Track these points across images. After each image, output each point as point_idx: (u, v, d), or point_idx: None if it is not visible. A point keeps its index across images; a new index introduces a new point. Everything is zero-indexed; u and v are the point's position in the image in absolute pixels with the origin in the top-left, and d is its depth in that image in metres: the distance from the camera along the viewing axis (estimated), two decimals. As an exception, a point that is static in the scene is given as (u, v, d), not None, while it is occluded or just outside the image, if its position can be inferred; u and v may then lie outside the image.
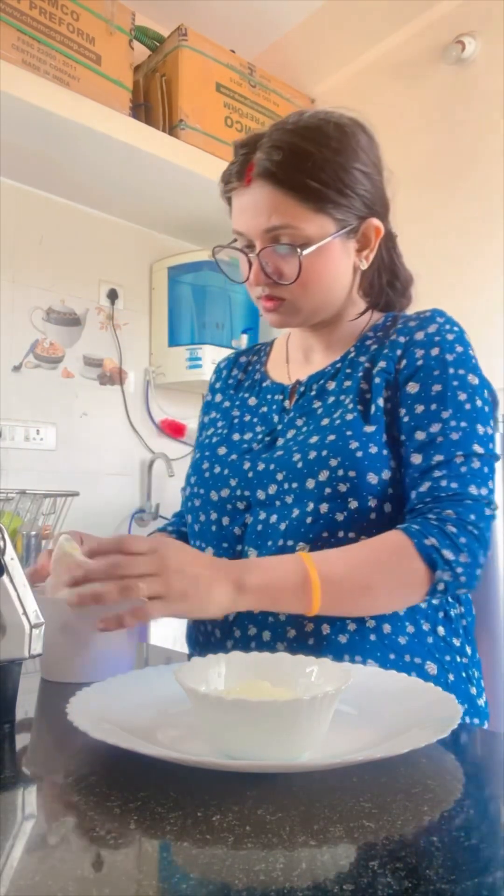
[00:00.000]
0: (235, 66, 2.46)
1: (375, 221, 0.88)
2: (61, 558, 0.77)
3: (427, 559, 0.72)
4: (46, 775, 0.53)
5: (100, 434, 2.49)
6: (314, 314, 0.89)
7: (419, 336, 0.84)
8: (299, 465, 0.80)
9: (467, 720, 0.80)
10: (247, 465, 0.88)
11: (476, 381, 0.81)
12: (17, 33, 1.92)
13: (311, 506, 0.79)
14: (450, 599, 0.84)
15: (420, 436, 0.78)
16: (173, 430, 2.66)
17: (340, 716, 0.57)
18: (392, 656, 0.77)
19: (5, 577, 0.63)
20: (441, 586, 0.73)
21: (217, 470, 0.90)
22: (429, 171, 2.29)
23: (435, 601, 0.83)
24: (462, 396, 0.78)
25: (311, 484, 0.79)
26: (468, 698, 0.82)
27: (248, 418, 0.97)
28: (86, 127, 2.04)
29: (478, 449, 0.77)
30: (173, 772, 0.48)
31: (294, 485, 0.80)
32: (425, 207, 2.29)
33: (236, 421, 0.98)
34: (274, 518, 0.82)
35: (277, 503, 0.82)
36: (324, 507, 0.78)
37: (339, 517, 0.78)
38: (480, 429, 0.78)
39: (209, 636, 0.88)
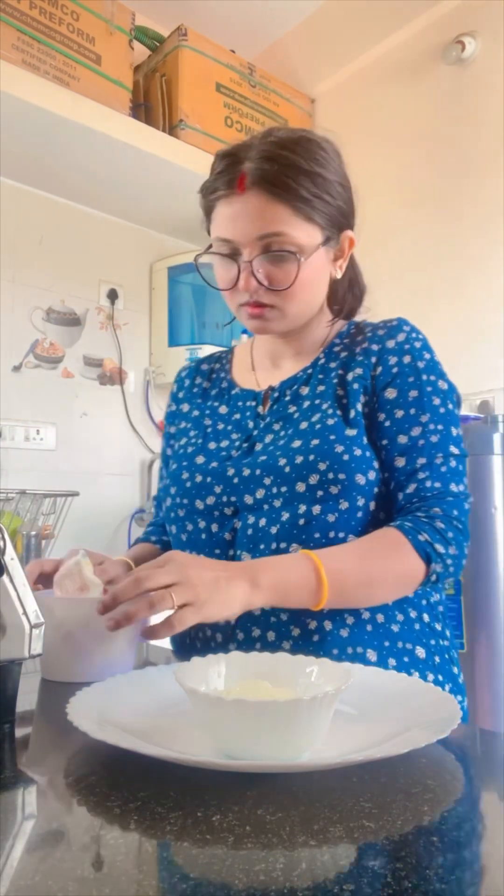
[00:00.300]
0: (235, 66, 2.46)
1: (350, 232, 0.93)
2: (73, 571, 0.78)
3: (422, 553, 0.78)
4: (46, 775, 0.53)
5: (100, 434, 2.49)
6: (297, 320, 0.92)
7: (391, 344, 0.89)
8: (286, 469, 0.83)
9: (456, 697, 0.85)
10: (231, 472, 0.88)
11: (445, 386, 0.88)
12: (17, 33, 1.92)
13: (302, 508, 0.82)
14: (427, 588, 0.89)
15: (402, 439, 0.84)
16: (173, 430, 2.66)
17: (340, 716, 0.57)
18: (387, 643, 0.82)
19: (5, 577, 0.64)
20: (434, 577, 0.80)
21: (199, 479, 0.91)
22: (428, 171, 2.29)
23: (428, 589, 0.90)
24: (436, 401, 0.86)
25: (301, 487, 0.82)
26: (452, 677, 0.87)
27: (221, 426, 0.97)
28: (86, 127, 2.04)
29: (454, 450, 0.85)
30: (173, 772, 0.48)
31: (283, 488, 0.83)
32: (425, 207, 2.29)
33: (210, 430, 0.98)
34: (263, 521, 0.84)
35: (266, 507, 0.84)
36: (316, 509, 0.82)
37: (331, 518, 0.82)
38: (454, 431, 0.86)
39: (208, 641, 0.88)
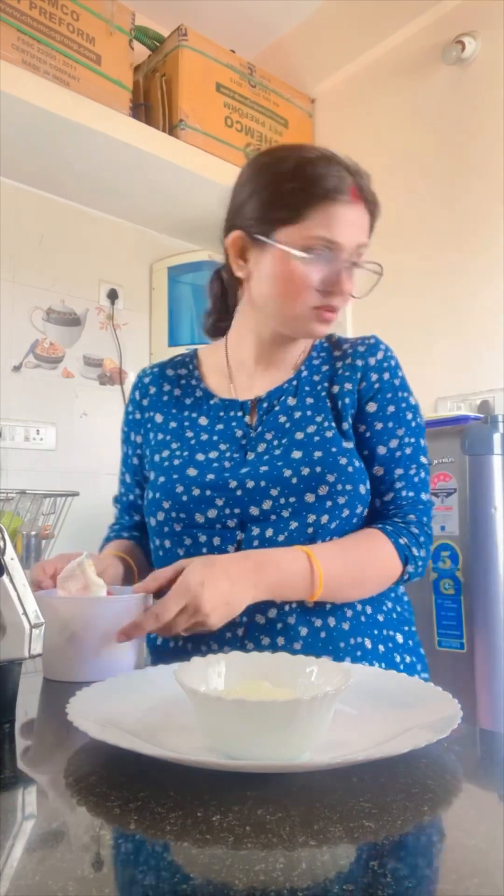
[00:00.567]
0: (235, 66, 2.46)
1: None
2: (76, 572, 0.78)
3: (401, 555, 0.88)
4: (46, 775, 0.53)
5: (100, 434, 2.49)
6: None
7: (372, 361, 0.94)
8: (293, 480, 0.86)
9: (423, 675, 0.94)
10: (233, 484, 0.88)
11: (414, 402, 0.96)
12: (17, 33, 1.92)
13: (311, 517, 0.86)
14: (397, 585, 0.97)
15: (382, 450, 0.92)
16: (173, 430, 2.66)
17: (340, 716, 0.57)
18: (376, 632, 0.90)
19: (5, 577, 0.64)
20: (406, 577, 0.90)
21: (196, 492, 0.89)
22: (428, 171, 2.29)
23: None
24: (409, 416, 0.93)
25: (310, 498, 0.86)
26: (421, 657, 0.96)
27: (205, 437, 0.96)
28: (86, 127, 2.04)
29: (423, 461, 0.94)
30: (173, 772, 0.48)
31: (291, 499, 0.86)
32: (425, 206, 2.29)
33: (193, 442, 0.96)
34: (270, 532, 0.87)
35: (273, 517, 0.87)
36: (324, 518, 0.87)
37: (333, 525, 0.88)
38: (422, 442, 0.94)
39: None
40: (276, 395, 0.95)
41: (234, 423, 0.96)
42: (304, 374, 0.96)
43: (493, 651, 1.58)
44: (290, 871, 0.36)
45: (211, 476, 0.90)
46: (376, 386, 0.92)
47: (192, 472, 0.91)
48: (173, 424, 1.00)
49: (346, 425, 0.91)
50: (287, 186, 0.86)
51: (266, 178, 0.88)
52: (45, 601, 0.74)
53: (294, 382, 0.96)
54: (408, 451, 0.92)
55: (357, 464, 0.89)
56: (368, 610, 0.90)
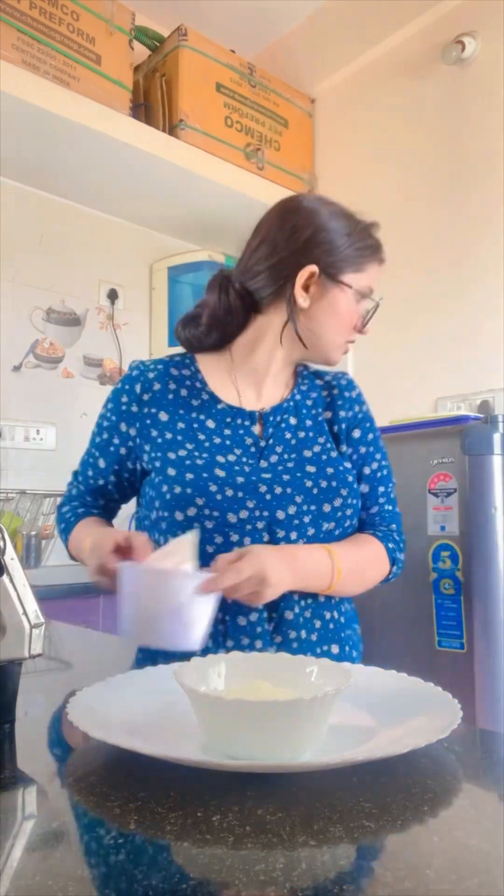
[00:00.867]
0: (235, 66, 2.46)
1: None
2: (177, 549, 0.79)
3: (390, 559, 1.04)
4: (46, 775, 0.53)
5: (100, 434, 2.49)
6: None
7: (353, 394, 1.11)
8: (314, 490, 0.97)
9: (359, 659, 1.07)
10: (263, 489, 0.95)
11: (378, 430, 1.11)
12: (17, 33, 1.92)
13: (325, 526, 0.98)
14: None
15: (367, 470, 1.06)
16: (173, 430, 2.66)
17: (340, 716, 0.57)
18: (354, 624, 1.06)
19: (5, 577, 0.63)
20: (391, 576, 1.06)
21: (230, 493, 0.93)
22: (428, 171, 2.29)
23: None
24: (381, 443, 1.10)
25: (326, 508, 0.97)
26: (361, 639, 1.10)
27: (217, 441, 0.99)
28: (86, 127, 2.04)
29: (394, 479, 1.11)
30: (173, 772, 0.48)
31: (312, 507, 0.97)
32: (424, 206, 2.29)
33: (207, 444, 0.98)
34: (294, 535, 0.96)
35: (296, 522, 0.96)
36: (332, 526, 0.98)
37: (338, 532, 1.00)
38: (389, 464, 1.11)
39: (245, 649, 0.92)
40: (280, 412, 1.04)
41: (241, 431, 1.00)
42: (297, 397, 1.07)
43: (493, 651, 1.58)
44: (290, 871, 0.36)
45: (241, 479, 0.95)
46: (359, 416, 1.09)
47: (219, 472, 0.94)
48: (181, 425, 1.01)
49: (343, 448, 1.05)
50: (360, 243, 1.04)
51: (343, 230, 1.03)
52: (129, 569, 0.75)
53: (291, 403, 1.06)
54: (384, 472, 1.08)
55: (356, 485, 1.03)
56: (353, 602, 1.09)
